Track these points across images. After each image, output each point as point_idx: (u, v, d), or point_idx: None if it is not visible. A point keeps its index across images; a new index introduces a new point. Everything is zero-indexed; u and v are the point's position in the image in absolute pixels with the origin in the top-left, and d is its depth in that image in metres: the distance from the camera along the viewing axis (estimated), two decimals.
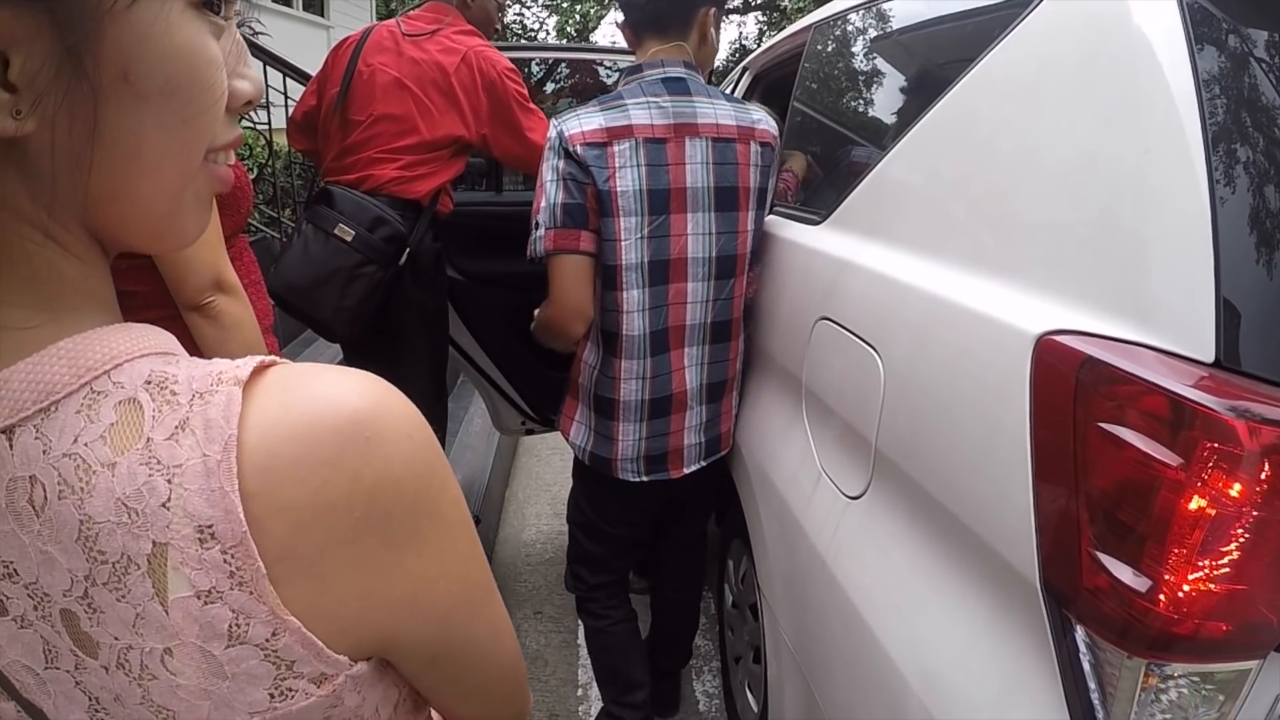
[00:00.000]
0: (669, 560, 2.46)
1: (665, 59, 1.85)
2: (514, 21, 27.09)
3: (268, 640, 0.49)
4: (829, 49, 2.26)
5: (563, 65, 5.46)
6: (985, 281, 1.17)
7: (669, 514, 2.31)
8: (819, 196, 1.93)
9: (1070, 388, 0.96)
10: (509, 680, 0.66)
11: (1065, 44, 1.17)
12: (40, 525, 0.47)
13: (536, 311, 1.98)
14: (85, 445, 0.47)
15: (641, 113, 1.77)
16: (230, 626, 0.48)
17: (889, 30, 1.93)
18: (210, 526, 0.46)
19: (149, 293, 1.51)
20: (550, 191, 1.77)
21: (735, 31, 34.15)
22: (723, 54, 28.71)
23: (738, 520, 2.17)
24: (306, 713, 0.51)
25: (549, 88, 5.71)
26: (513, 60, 2.65)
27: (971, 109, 1.33)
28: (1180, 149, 0.95)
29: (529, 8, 27.13)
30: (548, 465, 4.73)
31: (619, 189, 1.75)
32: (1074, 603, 0.99)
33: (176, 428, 0.47)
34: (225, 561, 0.47)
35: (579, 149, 1.74)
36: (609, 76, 4.42)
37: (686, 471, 2.03)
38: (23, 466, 0.47)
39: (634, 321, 1.85)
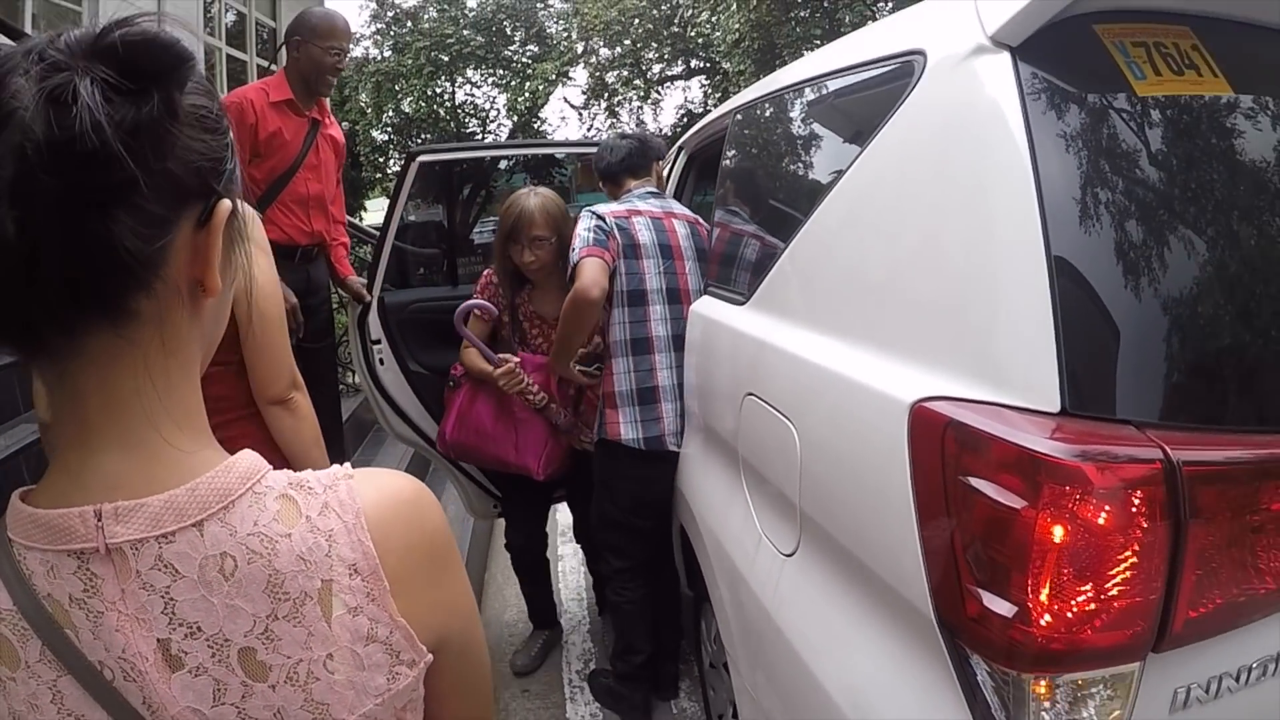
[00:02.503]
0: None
1: (642, 186, 2.91)
2: (465, 101, 27.63)
3: (388, 637, 0.73)
4: (745, 135, 2.50)
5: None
6: (873, 355, 1.36)
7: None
8: (743, 277, 2.14)
9: (938, 446, 1.14)
10: (489, 686, 0.88)
11: (923, 137, 1.39)
12: (229, 587, 0.67)
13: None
14: (264, 525, 0.69)
15: (644, 205, 2.78)
16: (368, 630, 0.72)
17: (792, 119, 2.15)
18: (355, 565, 0.71)
19: (231, 395, 1.85)
20: (586, 235, 2.61)
21: (681, 96, 35.01)
22: (669, 119, 29.31)
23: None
24: (404, 693, 0.75)
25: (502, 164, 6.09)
26: (467, 159, 2.98)
27: (855, 197, 1.55)
28: (1019, 227, 1.15)
29: (479, 87, 27.71)
30: None
31: (642, 242, 2.66)
32: (963, 632, 1.16)
33: (323, 507, 0.72)
34: (365, 587, 0.71)
35: (610, 220, 2.65)
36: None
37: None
38: (213, 547, 0.67)
39: (660, 328, 2.64)
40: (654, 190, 2.93)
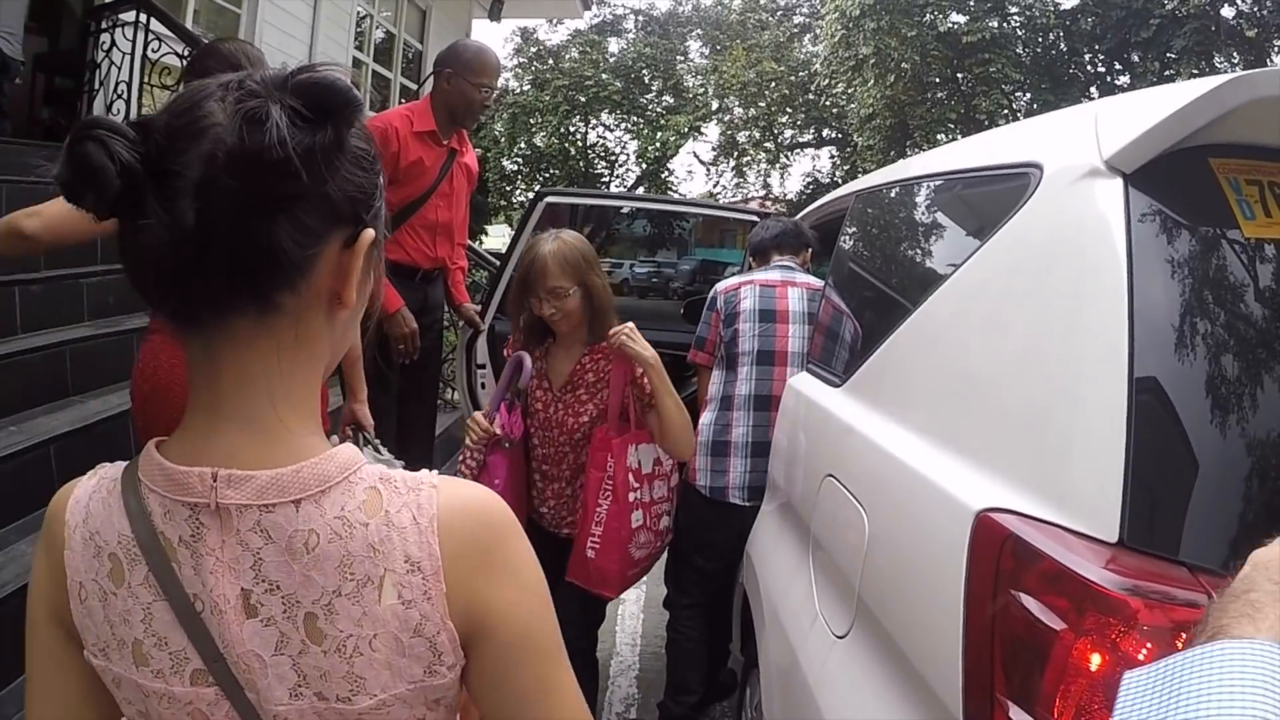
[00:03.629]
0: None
1: (781, 260, 3.17)
2: (597, 142, 28.15)
3: (434, 635, 0.80)
4: (864, 220, 2.54)
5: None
6: (951, 456, 1.38)
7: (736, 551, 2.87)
8: (842, 359, 2.18)
9: (995, 556, 1.16)
10: (569, 705, 0.87)
11: (1031, 248, 1.41)
12: (309, 558, 0.78)
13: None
14: (349, 512, 0.79)
15: (763, 275, 3.09)
16: (416, 624, 0.80)
17: (911, 212, 2.19)
18: (419, 563, 0.79)
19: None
20: (700, 329, 3.14)
21: (809, 164, 35.17)
22: (796, 186, 29.42)
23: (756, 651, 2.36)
24: (439, 689, 0.83)
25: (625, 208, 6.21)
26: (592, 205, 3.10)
27: (960, 297, 1.57)
28: (1107, 348, 1.15)
29: (612, 130, 28.21)
30: None
31: (743, 309, 2.97)
32: None
33: (402, 506, 0.81)
34: (423, 585, 0.79)
35: (721, 296, 3.05)
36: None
37: None
38: (304, 523, 0.78)
39: (744, 387, 2.92)
40: (789, 265, 3.14)
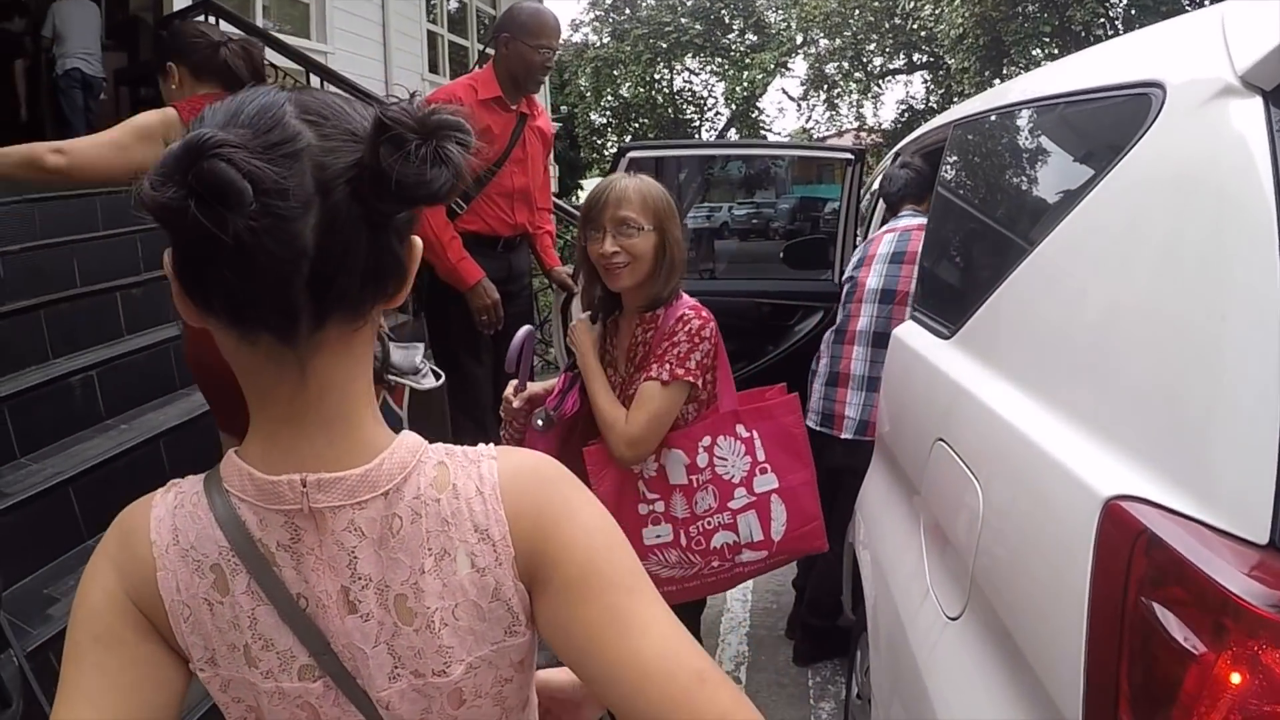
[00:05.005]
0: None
1: (911, 212, 3.14)
2: (683, 88, 27.82)
3: (509, 599, 0.85)
4: (965, 150, 2.35)
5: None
6: (1073, 426, 1.22)
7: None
8: (951, 308, 2.00)
9: (1126, 554, 1.00)
10: (661, 626, 0.84)
11: (1156, 186, 1.22)
12: (394, 542, 0.82)
13: None
14: (424, 490, 0.84)
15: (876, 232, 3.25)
16: (493, 589, 0.84)
17: (1016, 141, 2.00)
18: (487, 530, 0.84)
19: None
20: None
21: (902, 90, 34.16)
22: (890, 114, 28.62)
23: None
24: (520, 648, 0.88)
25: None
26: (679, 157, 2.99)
27: (1075, 244, 1.39)
28: (1259, 310, 0.96)
29: (697, 75, 27.83)
30: None
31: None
32: None
33: (466, 478, 0.85)
34: (494, 552, 0.84)
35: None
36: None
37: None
38: (389, 510, 0.83)
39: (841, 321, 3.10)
40: (912, 210, 3.15)
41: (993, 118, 2.12)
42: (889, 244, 2.96)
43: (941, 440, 1.68)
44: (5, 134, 7.04)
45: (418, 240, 0.84)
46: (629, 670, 0.81)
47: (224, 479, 0.84)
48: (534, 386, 2.41)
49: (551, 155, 3.85)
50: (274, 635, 0.84)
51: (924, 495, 1.78)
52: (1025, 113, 1.90)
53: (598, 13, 26.54)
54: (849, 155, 3.67)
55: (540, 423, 2.31)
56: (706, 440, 2.22)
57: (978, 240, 2.07)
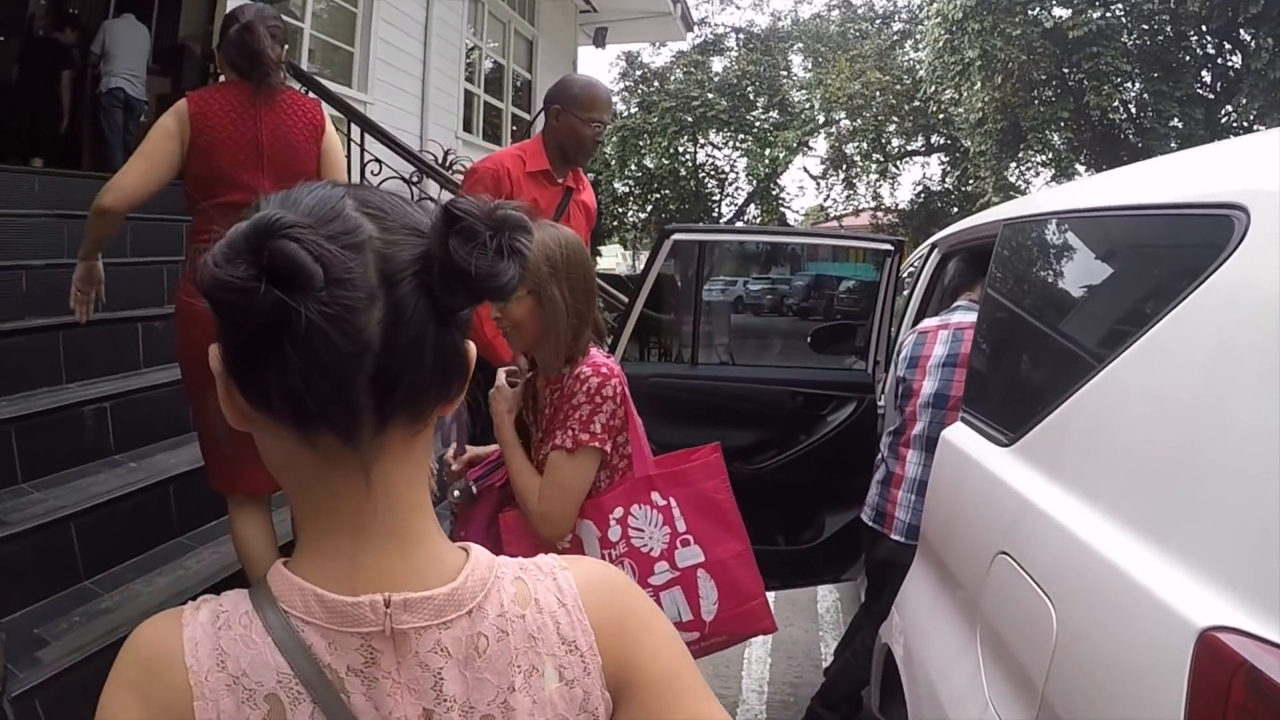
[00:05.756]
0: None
1: (966, 301, 3.07)
2: (706, 161, 28.12)
3: (596, 709, 0.82)
4: (1022, 251, 2.31)
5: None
6: (1156, 550, 1.20)
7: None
8: (1011, 410, 1.97)
9: (1224, 688, 0.98)
10: None
11: (1241, 316, 1.21)
12: (481, 662, 0.78)
13: None
14: (505, 607, 0.81)
15: (929, 322, 3.12)
16: (581, 701, 0.82)
17: (1084, 249, 1.98)
18: (574, 642, 0.82)
19: None
20: None
21: (919, 171, 34.42)
22: (906, 195, 28.83)
23: None
24: None
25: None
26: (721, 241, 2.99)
27: (1155, 367, 1.38)
28: None
29: (720, 149, 28.15)
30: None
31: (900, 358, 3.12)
32: None
33: (546, 591, 0.83)
34: (581, 662, 0.82)
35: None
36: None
37: None
38: (474, 629, 0.79)
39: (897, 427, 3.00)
40: (967, 304, 3.07)
41: (1054, 221, 2.11)
42: (943, 345, 2.94)
43: (1005, 554, 1.64)
44: (44, 144, 7.35)
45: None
46: None
47: (279, 598, 0.77)
48: (478, 451, 2.35)
49: (593, 229, 3.81)
50: None
51: (983, 608, 1.73)
52: (1093, 220, 1.89)
53: (627, 84, 27.00)
54: (888, 246, 3.67)
55: (457, 493, 2.26)
56: (619, 511, 2.06)
57: (1037, 347, 2.04)
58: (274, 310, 0.66)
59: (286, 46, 2.85)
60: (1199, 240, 1.39)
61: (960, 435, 2.16)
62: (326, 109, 2.91)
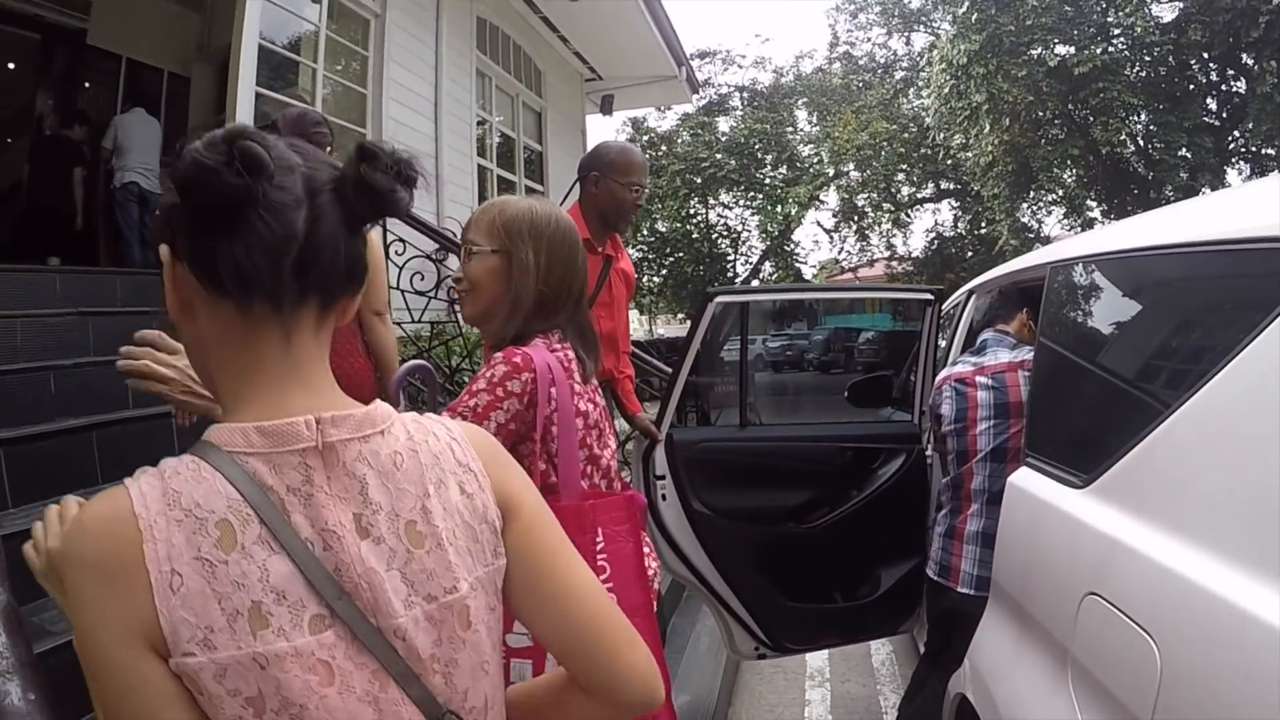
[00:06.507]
0: None
1: (995, 334, 3.05)
2: (718, 221, 28.33)
3: (493, 521, 1.04)
4: (1078, 292, 2.33)
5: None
6: (1258, 581, 1.21)
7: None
8: (1082, 453, 1.96)
9: None
10: (589, 606, 1.08)
11: None
12: (399, 475, 0.98)
13: None
14: (411, 434, 1.02)
15: (958, 369, 3.04)
16: (481, 511, 1.04)
17: (1148, 286, 2.00)
18: (467, 464, 1.05)
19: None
20: None
21: (930, 219, 34.67)
22: (919, 243, 28.95)
23: None
24: (500, 574, 1.05)
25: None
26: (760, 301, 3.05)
27: (1242, 398, 1.39)
28: None
29: (731, 209, 28.38)
30: (771, 684, 4.69)
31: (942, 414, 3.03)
32: None
33: (438, 430, 1.06)
34: (476, 480, 1.05)
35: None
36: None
37: None
38: (388, 447, 0.99)
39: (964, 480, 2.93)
40: (997, 337, 3.05)
41: (1112, 261, 2.13)
42: (987, 397, 2.91)
43: (1095, 595, 1.64)
44: (60, 242, 7.41)
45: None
46: (573, 591, 1.07)
47: (220, 444, 0.91)
48: None
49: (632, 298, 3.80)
50: (286, 586, 0.88)
51: (1075, 652, 1.73)
52: (1155, 258, 1.91)
53: None
54: (929, 296, 3.70)
55: None
56: None
57: (1107, 387, 2.05)
58: (235, 190, 0.87)
59: (331, 150, 3.00)
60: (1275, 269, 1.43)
61: (1028, 480, 2.16)
62: None
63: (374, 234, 3.18)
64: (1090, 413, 2.09)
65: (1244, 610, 1.22)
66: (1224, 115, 20.60)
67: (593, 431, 1.97)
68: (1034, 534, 2.10)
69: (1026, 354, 2.85)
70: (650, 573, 1.99)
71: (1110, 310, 2.18)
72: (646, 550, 1.98)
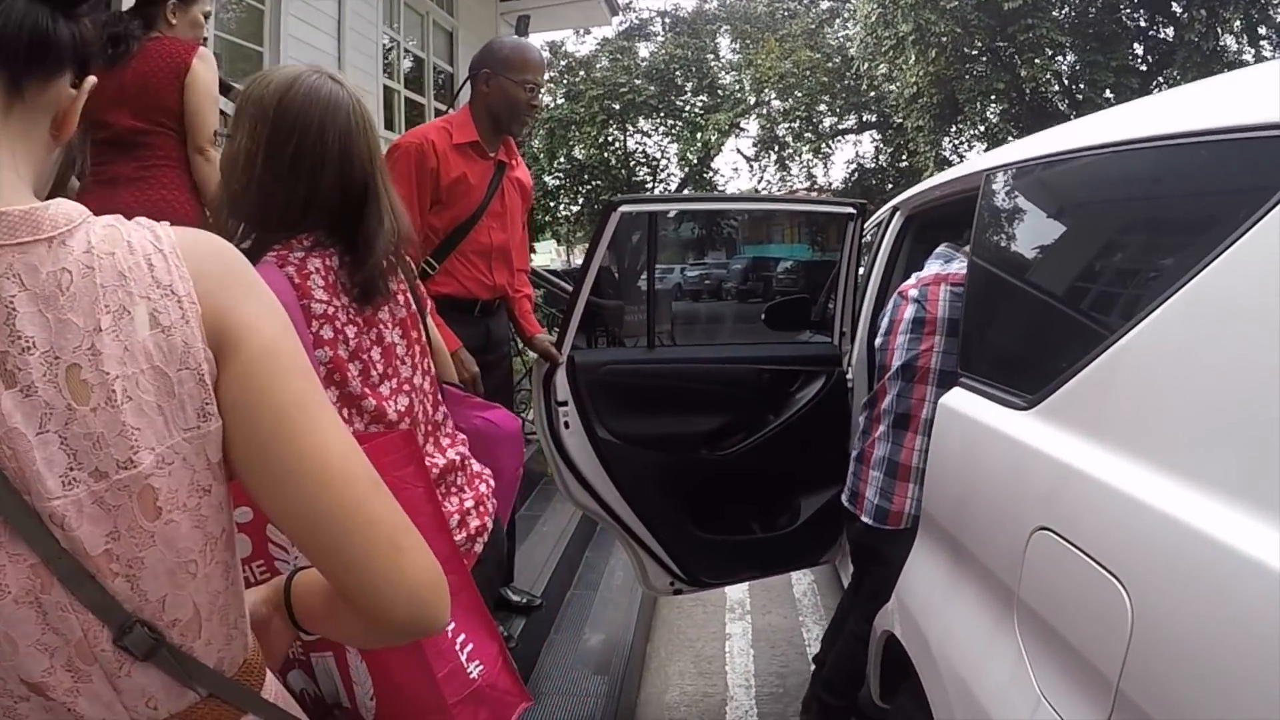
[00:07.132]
0: None
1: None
2: (636, 149, 27.92)
3: (199, 367, 0.79)
4: (1028, 198, 2.12)
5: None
6: (1253, 515, 1.03)
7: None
8: (1022, 373, 1.78)
9: None
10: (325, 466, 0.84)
11: None
12: (64, 300, 0.73)
13: None
14: (93, 245, 0.77)
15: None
16: (181, 353, 0.78)
17: (1110, 187, 1.77)
18: (169, 286, 0.79)
19: (167, 149, 3.05)
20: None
21: (852, 150, 34.67)
22: (840, 174, 28.97)
23: None
24: (213, 442, 0.81)
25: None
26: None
27: (1223, 307, 1.20)
28: None
29: (650, 136, 27.97)
30: (689, 619, 4.58)
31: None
32: None
33: (140, 235, 0.80)
34: (179, 306, 0.78)
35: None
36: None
37: None
38: (56, 263, 0.74)
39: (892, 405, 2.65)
40: (948, 252, 2.76)
41: (1071, 161, 1.88)
42: (911, 311, 2.67)
43: (1047, 530, 1.45)
44: None
45: (89, 80, 0.85)
46: (315, 466, 0.83)
47: None
48: None
49: (529, 211, 3.51)
50: None
51: (1021, 593, 1.54)
52: (1129, 155, 1.68)
53: (552, 74, 26.64)
54: (851, 210, 3.48)
55: None
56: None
57: (1056, 299, 1.85)
58: None
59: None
60: (1258, 164, 1.23)
61: (963, 402, 1.97)
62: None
63: (200, 67, 3.08)
64: (1036, 327, 1.89)
65: (1233, 548, 1.03)
66: (1151, 60, 20.81)
67: (358, 362, 1.59)
68: (970, 461, 1.90)
69: (957, 267, 2.61)
70: (470, 526, 1.73)
71: (1061, 215, 1.97)
72: (471, 503, 1.75)
